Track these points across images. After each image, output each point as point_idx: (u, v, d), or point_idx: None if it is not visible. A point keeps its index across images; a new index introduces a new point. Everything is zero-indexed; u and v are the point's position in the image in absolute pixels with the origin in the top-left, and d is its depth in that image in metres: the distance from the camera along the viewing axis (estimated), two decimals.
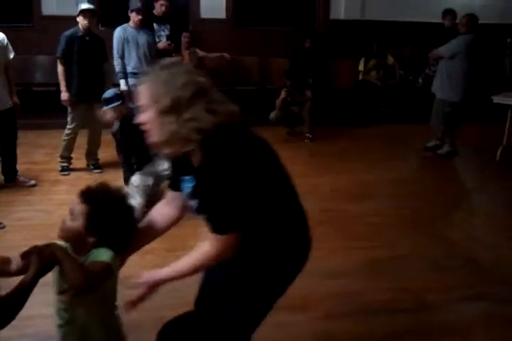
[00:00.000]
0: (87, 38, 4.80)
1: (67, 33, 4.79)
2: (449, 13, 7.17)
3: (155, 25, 6.27)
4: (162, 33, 6.36)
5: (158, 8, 6.26)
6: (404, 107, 7.63)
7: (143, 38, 5.56)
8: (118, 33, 5.49)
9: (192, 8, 8.05)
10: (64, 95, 4.83)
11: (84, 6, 4.73)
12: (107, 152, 5.43)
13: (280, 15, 8.51)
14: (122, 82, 5.50)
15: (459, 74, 5.84)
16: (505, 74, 8.22)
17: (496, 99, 5.74)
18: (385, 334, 2.69)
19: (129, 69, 5.54)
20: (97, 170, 5.07)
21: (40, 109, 6.46)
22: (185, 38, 7.37)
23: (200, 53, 7.56)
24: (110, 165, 5.25)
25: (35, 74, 7.25)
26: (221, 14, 8.07)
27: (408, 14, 8.26)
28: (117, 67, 5.48)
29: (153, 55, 5.70)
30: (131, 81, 5.52)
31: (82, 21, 4.70)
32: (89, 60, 4.74)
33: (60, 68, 4.81)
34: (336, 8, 8.36)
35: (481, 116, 7.16)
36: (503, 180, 5.37)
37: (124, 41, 5.46)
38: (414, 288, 3.12)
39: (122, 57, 5.48)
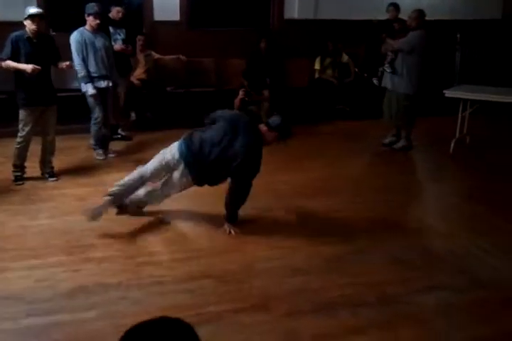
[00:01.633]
0: (35, 40, 4.64)
1: (14, 34, 4.61)
2: (391, 5, 7.45)
3: (111, 28, 6.21)
4: (118, 37, 6.31)
5: (115, 14, 6.25)
6: (361, 104, 7.72)
7: (100, 42, 5.50)
8: (75, 36, 5.41)
9: (146, 10, 7.96)
10: (26, 67, 4.50)
11: (33, 10, 4.57)
12: (62, 160, 5.35)
13: (234, 16, 8.51)
14: (89, 86, 5.43)
15: (416, 68, 5.96)
16: (456, 68, 8.41)
17: (448, 93, 5.86)
18: (347, 329, 2.73)
19: (91, 73, 5.47)
20: (52, 179, 4.95)
21: None
22: (139, 40, 7.29)
23: (156, 56, 7.50)
24: (66, 172, 5.16)
25: None
26: (175, 16, 8.00)
27: (361, 12, 8.36)
28: (82, 72, 5.40)
29: (111, 58, 5.68)
30: (90, 85, 5.45)
31: (30, 26, 4.56)
32: (39, 62, 4.58)
33: (3, 64, 4.59)
34: (290, 8, 8.37)
35: (433, 109, 7.31)
36: (457, 172, 5.51)
37: (83, 45, 5.39)
38: (374, 281, 3.17)
39: (84, 60, 5.41)
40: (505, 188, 4.85)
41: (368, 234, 3.82)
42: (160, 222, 4.02)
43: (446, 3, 8.75)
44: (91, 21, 5.40)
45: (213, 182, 3.83)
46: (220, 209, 3.84)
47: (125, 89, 6.51)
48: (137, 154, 5.93)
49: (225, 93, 7.29)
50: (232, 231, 3.77)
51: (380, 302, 2.96)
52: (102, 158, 5.65)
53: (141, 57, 7.29)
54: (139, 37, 7.30)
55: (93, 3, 5.41)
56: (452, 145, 5.91)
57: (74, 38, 5.41)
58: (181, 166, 3.70)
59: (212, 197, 4.08)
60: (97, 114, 5.58)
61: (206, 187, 3.89)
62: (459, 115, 5.92)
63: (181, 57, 7.57)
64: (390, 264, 3.39)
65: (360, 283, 3.14)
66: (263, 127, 3.76)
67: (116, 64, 5.80)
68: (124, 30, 6.26)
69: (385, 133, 6.40)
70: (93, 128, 5.66)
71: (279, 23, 8.40)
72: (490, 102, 5.73)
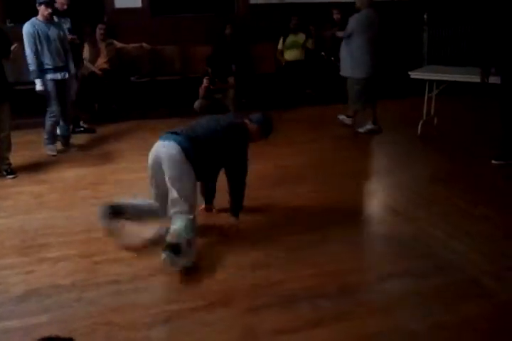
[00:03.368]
0: None
1: None
2: None
3: (55, 18, 5.98)
4: (64, 27, 6.07)
5: (59, 5, 6.00)
6: (328, 88, 7.63)
7: (54, 32, 5.33)
8: (27, 28, 5.21)
9: None
10: None
11: None
12: (22, 155, 5.20)
13: (198, 2, 8.32)
14: (38, 81, 5.24)
15: (360, 51, 5.93)
16: (423, 49, 8.35)
17: (413, 75, 5.80)
18: (308, 322, 2.66)
19: (44, 65, 5.29)
20: (10, 176, 4.80)
21: None
22: (100, 29, 7.13)
23: (118, 45, 7.33)
24: (24, 169, 5.02)
25: None
26: (137, 3, 7.81)
27: None
28: (32, 65, 5.21)
29: (67, 48, 5.51)
30: (48, 76, 5.31)
31: None
32: None
33: None
34: None
35: (401, 91, 7.27)
36: (425, 155, 5.47)
37: (36, 37, 5.19)
38: (335, 271, 3.11)
39: (37, 53, 5.22)
40: (471, 171, 4.82)
41: (330, 223, 3.75)
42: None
43: None
44: (43, 10, 5.21)
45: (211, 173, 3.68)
46: None
47: (78, 80, 6.28)
48: (100, 147, 5.81)
49: (190, 80, 7.14)
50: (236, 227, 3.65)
51: (342, 293, 2.90)
52: (53, 153, 5.45)
53: (102, 46, 7.12)
54: (99, 26, 7.13)
55: None
56: (420, 127, 5.87)
57: (26, 29, 5.20)
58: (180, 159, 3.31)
59: None
60: (54, 107, 5.40)
61: None
62: (425, 96, 5.87)
63: (144, 45, 7.41)
64: (353, 252, 3.33)
65: (321, 274, 3.07)
66: (246, 121, 3.66)
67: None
68: (68, 19, 6.04)
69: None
70: (48, 122, 5.46)
71: (244, 8, 8.25)
72: (456, 82, 5.67)
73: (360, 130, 6.17)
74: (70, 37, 5.88)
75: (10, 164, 4.88)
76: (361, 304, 2.81)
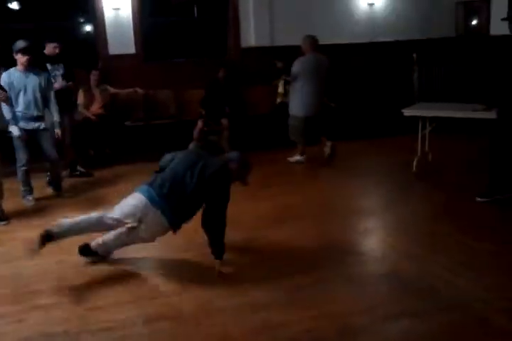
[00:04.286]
0: None
1: None
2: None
3: (48, 65, 6.03)
4: (57, 73, 6.10)
5: (51, 50, 6.05)
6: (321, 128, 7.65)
7: (32, 81, 5.24)
8: (3, 78, 5.17)
9: (100, 44, 7.89)
10: None
11: None
12: (13, 202, 5.13)
13: (191, 47, 8.51)
14: (14, 128, 5.14)
15: (306, 92, 6.36)
16: (414, 88, 8.47)
17: (406, 112, 5.83)
18: None
19: (18, 113, 5.21)
20: (2, 222, 4.72)
21: None
22: (94, 76, 7.19)
23: (112, 90, 7.39)
24: (18, 215, 4.96)
25: None
26: (130, 49, 7.94)
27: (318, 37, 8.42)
28: (7, 115, 5.13)
29: (49, 96, 5.38)
30: (21, 125, 5.18)
31: None
32: None
33: None
34: (246, 36, 8.40)
35: (393, 129, 7.32)
36: (422, 191, 5.44)
37: (10, 87, 5.12)
38: (336, 312, 3.01)
39: (10, 103, 5.12)
40: (469, 206, 4.77)
41: (329, 262, 3.68)
42: (113, 265, 3.81)
43: (400, 24, 8.89)
44: (20, 58, 5.14)
45: (189, 217, 3.65)
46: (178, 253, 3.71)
47: (70, 125, 6.26)
48: (95, 191, 5.76)
49: (185, 124, 7.20)
50: (222, 270, 3.54)
51: (342, 336, 2.80)
52: (31, 204, 5.32)
53: (96, 92, 7.18)
54: (93, 72, 7.20)
55: (20, 40, 5.16)
56: (415, 163, 5.86)
57: (2, 79, 5.16)
58: (156, 215, 3.49)
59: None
60: (21, 156, 5.23)
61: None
62: (419, 133, 5.90)
63: (138, 90, 7.48)
64: (353, 292, 3.24)
65: (321, 316, 2.97)
66: (226, 162, 3.66)
67: (60, 100, 5.58)
68: (62, 65, 6.09)
69: (351, 156, 6.35)
70: (18, 172, 5.28)
71: (236, 52, 8.40)
72: (449, 119, 5.71)
73: (289, 159, 6.60)
74: (60, 85, 5.92)
75: (2, 210, 4.81)
76: None
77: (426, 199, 5.15)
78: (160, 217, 3.50)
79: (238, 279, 3.47)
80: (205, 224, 3.52)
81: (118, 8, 7.76)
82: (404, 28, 8.88)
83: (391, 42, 8.84)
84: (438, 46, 8.77)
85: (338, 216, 4.66)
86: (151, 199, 3.51)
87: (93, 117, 6.97)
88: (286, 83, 7.84)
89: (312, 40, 6.55)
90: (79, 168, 6.48)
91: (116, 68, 7.67)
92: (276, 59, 6.87)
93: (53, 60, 6.06)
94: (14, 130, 5.15)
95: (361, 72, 8.69)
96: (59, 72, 6.07)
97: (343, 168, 6.30)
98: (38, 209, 5.16)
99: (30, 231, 4.50)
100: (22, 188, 5.35)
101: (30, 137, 5.28)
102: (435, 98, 6.96)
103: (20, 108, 5.22)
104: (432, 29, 8.94)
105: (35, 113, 5.28)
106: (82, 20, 8.34)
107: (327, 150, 6.44)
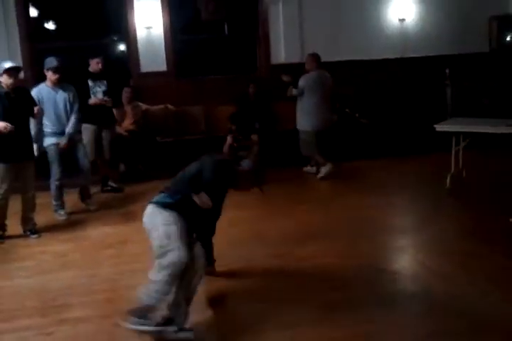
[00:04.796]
0: (12, 95, 4.57)
1: None
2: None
3: (90, 81, 6.19)
4: (98, 89, 6.25)
5: (95, 66, 6.24)
6: (352, 144, 7.60)
7: (61, 97, 5.36)
8: (33, 94, 5.22)
9: (132, 62, 8.03)
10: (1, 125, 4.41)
11: (8, 64, 4.50)
12: (45, 215, 5.21)
13: (221, 64, 8.58)
14: (48, 140, 5.30)
15: (312, 107, 6.60)
16: (447, 103, 8.35)
17: (439, 127, 5.73)
18: None
19: (47, 129, 5.35)
20: (33, 236, 4.80)
21: None
22: (126, 92, 7.32)
23: (144, 107, 7.50)
24: (49, 228, 5.04)
25: None
26: (162, 67, 8.05)
27: (348, 53, 8.42)
28: (32, 130, 5.18)
29: (76, 112, 5.45)
30: (49, 140, 5.32)
31: (6, 80, 4.49)
32: (17, 117, 4.52)
33: None
34: (276, 53, 8.44)
35: (426, 146, 7.21)
36: (455, 209, 5.31)
37: (41, 102, 5.23)
38: (368, 333, 2.92)
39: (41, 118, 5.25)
40: (502, 226, 4.60)
41: (359, 280, 3.59)
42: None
43: (432, 39, 8.80)
44: (50, 76, 5.29)
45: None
46: None
47: (109, 140, 6.41)
48: (126, 206, 5.80)
49: (215, 139, 7.21)
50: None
51: None
52: (63, 218, 5.38)
53: (128, 108, 7.29)
54: (125, 89, 7.33)
55: (52, 58, 5.32)
56: (448, 180, 5.74)
57: (32, 95, 5.20)
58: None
59: None
60: (55, 170, 5.35)
61: None
62: (453, 149, 5.78)
63: (169, 106, 7.57)
64: (384, 311, 3.14)
65: (353, 336, 2.89)
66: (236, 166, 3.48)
67: (99, 115, 5.71)
68: (104, 82, 6.23)
69: (377, 173, 6.24)
70: (51, 186, 5.38)
71: (266, 69, 8.43)
72: (483, 135, 5.58)
73: (318, 176, 6.65)
74: (95, 100, 6.05)
75: (34, 224, 4.89)
76: None
77: (458, 217, 5.01)
78: (155, 208, 3.06)
79: (263, 296, 3.41)
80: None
81: (150, 27, 7.90)
82: (436, 43, 8.78)
83: (422, 57, 8.75)
84: (471, 61, 8.66)
85: (368, 233, 4.56)
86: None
87: (125, 133, 7.06)
88: None
89: (316, 57, 6.82)
90: (110, 183, 6.56)
91: (148, 85, 7.78)
92: (283, 73, 6.98)
93: (95, 76, 6.21)
94: (47, 141, 5.28)
95: (393, 88, 8.62)
96: (100, 88, 6.21)
97: (373, 184, 6.21)
98: (70, 224, 5.22)
99: (60, 245, 4.61)
100: (54, 202, 5.43)
101: (63, 151, 5.37)
102: (468, 113, 6.82)
103: (50, 123, 5.34)
104: (465, 44, 8.80)
105: (64, 127, 5.38)
106: (115, 39, 8.49)
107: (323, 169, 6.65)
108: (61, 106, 5.36)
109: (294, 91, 6.68)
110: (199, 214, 3.09)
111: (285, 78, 6.82)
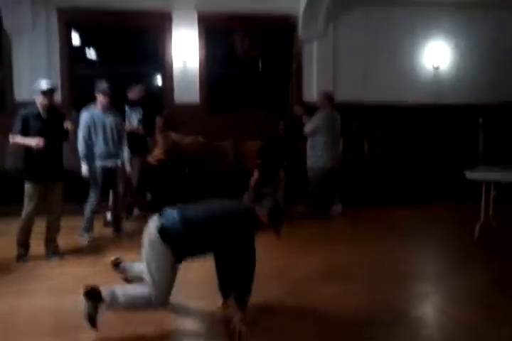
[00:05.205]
0: (44, 117, 4.65)
1: (25, 111, 4.64)
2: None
3: (126, 108, 6.31)
4: (134, 116, 6.39)
5: (137, 93, 6.37)
6: (380, 189, 7.54)
7: (110, 121, 5.48)
8: (84, 116, 5.42)
9: (166, 93, 8.19)
10: (31, 140, 4.51)
11: (44, 85, 4.59)
12: (68, 238, 5.22)
13: (254, 99, 8.69)
14: (84, 166, 5.36)
15: (325, 145, 6.71)
16: (479, 151, 8.27)
17: (469, 175, 5.64)
18: None
19: (96, 152, 5.44)
20: (56, 257, 4.80)
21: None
22: (159, 122, 7.44)
23: (175, 137, 7.58)
24: (72, 251, 5.05)
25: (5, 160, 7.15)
26: (195, 99, 8.20)
27: (378, 95, 8.47)
28: (82, 151, 5.37)
29: (122, 136, 5.62)
30: (97, 163, 5.43)
31: (42, 101, 4.58)
32: (48, 138, 4.58)
33: (11, 139, 4.61)
34: (308, 91, 8.53)
35: (457, 194, 7.11)
36: (483, 259, 5.14)
37: (91, 125, 5.38)
38: None
39: (89, 141, 5.39)
40: None
41: (381, 326, 3.46)
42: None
43: (467, 87, 8.83)
44: (101, 99, 5.39)
45: (196, 251, 3.37)
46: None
47: (139, 168, 6.47)
48: None
49: (242, 173, 7.24)
50: (242, 330, 3.24)
51: None
52: (86, 241, 5.39)
53: (159, 138, 7.38)
54: (157, 118, 7.44)
55: (103, 81, 5.45)
56: (477, 229, 5.60)
57: (83, 117, 5.41)
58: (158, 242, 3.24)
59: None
60: (95, 194, 5.44)
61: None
62: (483, 197, 5.67)
63: (199, 138, 7.65)
64: None
65: None
66: (255, 206, 3.51)
67: (131, 143, 5.78)
68: (141, 110, 6.35)
69: (404, 219, 6.11)
70: (87, 209, 5.44)
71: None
72: None
73: (331, 213, 6.76)
74: (131, 127, 6.16)
75: (57, 246, 4.90)
76: None
77: (485, 266, 4.86)
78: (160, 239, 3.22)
79: (287, 337, 3.31)
80: (234, 268, 3.40)
81: (186, 60, 8.09)
82: (470, 91, 8.81)
83: (456, 104, 8.75)
84: (505, 111, 8.62)
85: (392, 278, 4.44)
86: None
87: (154, 162, 7.12)
88: (346, 142, 7.86)
89: (329, 96, 6.96)
90: (136, 210, 6.58)
91: (180, 116, 7.91)
92: (297, 103, 7.08)
93: (133, 103, 6.33)
94: (84, 168, 5.35)
95: (424, 134, 8.62)
96: (136, 115, 6.32)
97: (400, 230, 6.14)
98: (93, 248, 5.21)
99: (81, 267, 4.59)
100: (84, 225, 5.43)
101: (107, 174, 5.47)
102: (500, 163, 6.74)
103: (100, 146, 5.43)
104: (499, 93, 8.79)
105: (113, 150, 5.48)
106: (151, 69, 8.70)
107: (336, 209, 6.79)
108: (110, 130, 5.46)
109: (309, 124, 6.77)
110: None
111: (298, 110, 6.99)
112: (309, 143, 6.86)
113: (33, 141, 4.50)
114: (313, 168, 6.79)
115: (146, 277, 3.27)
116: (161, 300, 3.24)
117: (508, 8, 8.76)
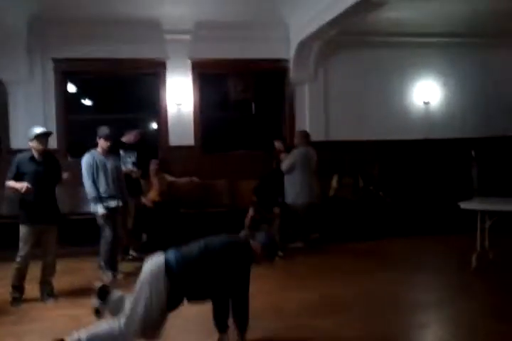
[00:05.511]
0: (38, 160, 4.73)
1: (19, 156, 4.74)
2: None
3: (121, 151, 6.41)
4: (128, 160, 6.50)
5: (133, 138, 6.52)
6: (374, 223, 7.56)
7: (111, 164, 5.62)
8: (87, 159, 5.54)
9: (161, 136, 8.32)
10: (20, 186, 4.53)
11: (39, 130, 4.70)
12: (66, 280, 5.20)
13: (247, 140, 8.81)
14: (99, 206, 5.45)
15: (303, 181, 6.84)
16: (473, 184, 8.34)
17: (463, 205, 5.66)
18: None
19: (100, 193, 5.52)
20: (51, 299, 4.76)
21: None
22: (153, 164, 7.50)
23: (170, 179, 7.64)
24: (67, 293, 5.01)
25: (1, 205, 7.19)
26: (189, 141, 8.32)
27: (370, 133, 8.61)
28: (92, 193, 5.46)
29: (122, 178, 5.77)
30: (104, 204, 5.50)
31: (37, 146, 4.68)
32: (42, 182, 4.66)
33: (7, 184, 4.65)
34: None
35: (452, 226, 7.13)
36: (481, 288, 5.11)
37: (93, 166, 5.49)
38: None
39: (94, 182, 5.49)
40: None
41: None
42: None
43: (456, 122, 9.00)
44: (102, 143, 5.56)
45: (194, 292, 3.38)
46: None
47: (134, 210, 6.51)
48: None
49: (237, 212, 7.25)
50: None
51: None
52: (109, 279, 5.40)
53: (154, 180, 7.43)
54: (153, 161, 7.52)
55: (105, 127, 5.62)
56: (473, 259, 5.59)
57: (85, 160, 5.53)
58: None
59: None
60: (107, 233, 5.52)
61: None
62: (478, 228, 5.67)
63: (194, 179, 7.70)
64: None
65: None
66: (249, 240, 3.57)
67: (126, 185, 5.86)
68: (135, 153, 6.45)
69: (401, 251, 6.12)
70: (103, 248, 5.55)
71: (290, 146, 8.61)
72: (510, 214, 5.49)
73: (290, 245, 6.79)
74: (126, 170, 6.23)
75: (52, 288, 4.87)
76: None
77: (483, 296, 4.83)
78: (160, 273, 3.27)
79: None
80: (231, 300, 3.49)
81: (180, 104, 8.26)
82: (461, 125, 8.97)
83: (447, 139, 8.88)
84: (497, 144, 8.73)
85: (391, 308, 4.43)
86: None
87: (150, 204, 7.15)
88: (340, 178, 7.93)
89: (305, 134, 7.23)
90: (131, 252, 6.55)
91: (175, 158, 8.01)
92: (277, 140, 7.31)
93: (127, 147, 6.45)
94: (99, 208, 5.44)
95: (418, 168, 8.71)
96: (130, 158, 6.46)
97: (397, 261, 6.14)
98: (87, 289, 5.05)
99: (76, 309, 4.53)
100: (102, 264, 5.53)
101: (111, 215, 5.55)
102: (494, 193, 6.78)
103: (102, 188, 5.53)
104: (488, 128, 8.93)
105: (114, 192, 5.58)
106: (146, 114, 8.86)
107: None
108: (111, 172, 5.59)
109: (286, 161, 6.91)
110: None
111: (277, 145, 7.17)
112: (287, 180, 6.98)
113: (19, 185, 4.55)
114: (294, 205, 6.87)
115: (127, 310, 3.27)
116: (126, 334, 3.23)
117: (493, 47, 9.02)
